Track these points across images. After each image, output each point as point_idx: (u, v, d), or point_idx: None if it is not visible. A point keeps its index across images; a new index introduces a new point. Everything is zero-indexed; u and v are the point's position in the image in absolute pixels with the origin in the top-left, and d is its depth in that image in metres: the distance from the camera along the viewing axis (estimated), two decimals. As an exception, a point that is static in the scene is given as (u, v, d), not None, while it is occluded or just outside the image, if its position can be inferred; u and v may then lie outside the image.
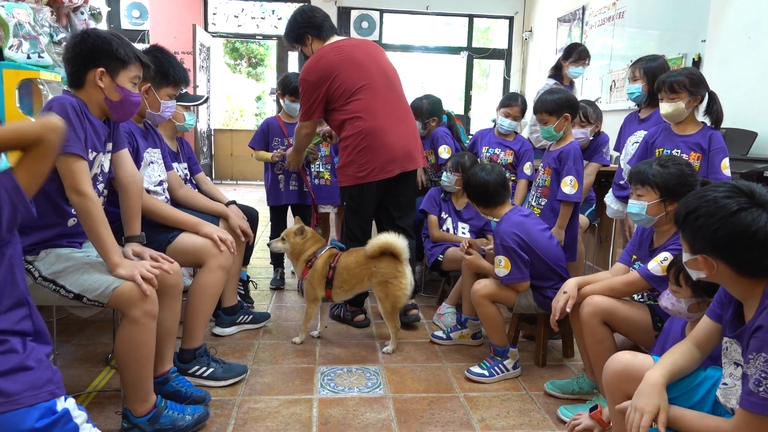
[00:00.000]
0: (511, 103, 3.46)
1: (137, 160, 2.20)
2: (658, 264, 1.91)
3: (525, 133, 4.08)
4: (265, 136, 3.61)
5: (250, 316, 2.92)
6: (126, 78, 1.83)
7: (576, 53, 4.10)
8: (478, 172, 2.50)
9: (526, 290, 2.46)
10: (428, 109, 3.59)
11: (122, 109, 1.85)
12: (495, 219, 2.51)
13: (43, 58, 2.79)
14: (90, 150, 1.78)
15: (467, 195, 2.62)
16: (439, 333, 2.85)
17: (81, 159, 1.71)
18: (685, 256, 1.33)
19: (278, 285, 3.67)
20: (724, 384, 1.33)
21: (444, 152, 3.54)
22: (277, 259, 3.74)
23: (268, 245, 2.75)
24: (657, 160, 2.00)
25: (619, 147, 3.22)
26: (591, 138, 3.27)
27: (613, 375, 1.47)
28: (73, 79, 1.81)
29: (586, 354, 2.17)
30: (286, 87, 3.54)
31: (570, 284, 2.09)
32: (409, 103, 3.59)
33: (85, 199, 1.71)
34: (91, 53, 1.77)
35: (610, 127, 5.34)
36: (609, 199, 3.15)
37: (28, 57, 2.75)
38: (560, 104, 2.70)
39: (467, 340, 2.80)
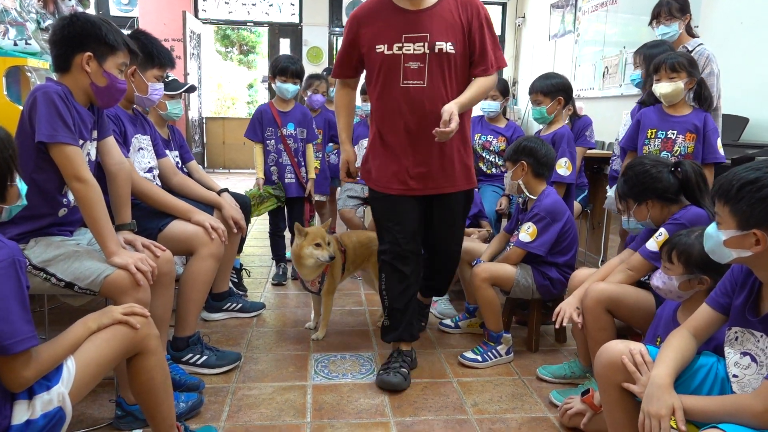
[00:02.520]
0: None
1: (125, 144, 2.18)
2: (654, 240, 1.93)
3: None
4: (260, 125, 3.44)
5: (240, 304, 2.91)
6: (113, 64, 1.80)
7: (654, 11, 3.07)
8: (541, 145, 2.49)
9: (520, 264, 2.48)
10: None
11: (108, 95, 1.82)
12: (532, 195, 2.49)
13: (30, 45, 2.76)
14: (77, 138, 1.76)
15: (512, 162, 2.50)
16: (448, 321, 2.84)
17: (75, 146, 1.70)
18: (727, 233, 1.25)
19: (280, 280, 3.52)
20: (735, 376, 1.33)
21: None
22: (278, 254, 3.63)
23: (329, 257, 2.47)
24: (622, 174, 2.09)
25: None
26: (566, 122, 3.27)
27: (606, 365, 1.46)
28: (58, 63, 1.78)
29: (580, 339, 2.19)
30: (275, 67, 3.37)
31: (572, 301, 2.07)
32: None
33: (87, 186, 1.70)
34: (79, 37, 1.74)
35: (603, 113, 5.34)
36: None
37: (15, 44, 2.71)
38: (557, 87, 2.84)
39: (475, 328, 2.79)
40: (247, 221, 2.81)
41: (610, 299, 1.97)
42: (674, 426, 1.26)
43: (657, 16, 2.97)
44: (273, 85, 3.44)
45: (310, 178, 3.54)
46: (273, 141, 3.43)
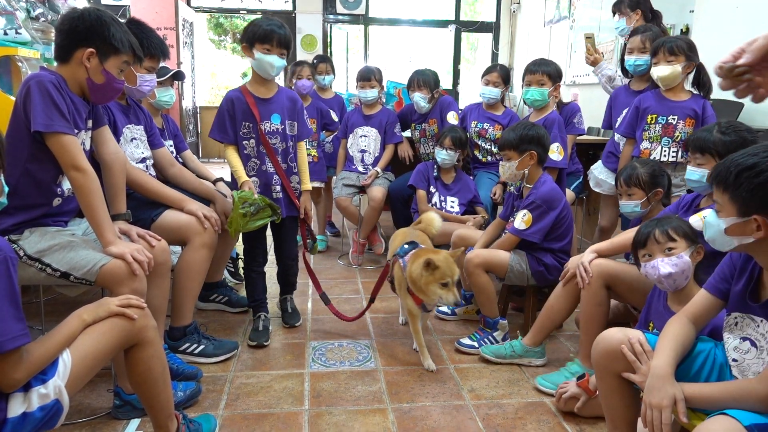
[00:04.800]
0: (490, 70, 3.54)
1: (115, 134, 2.16)
2: (699, 219, 1.80)
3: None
4: (231, 120, 2.44)
5: (227, 297, 2.87)
6: (114, 64, 1.79)
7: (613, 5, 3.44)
8: (544, 132, 2.45)
9: (514, 249, 2.48)
10: (435, 79, 3.60)
11: (102, 93, 1.81)
12: (528, 184, 2.46)
13: (20, 34, 2.73)
14: (73, 127, 1.74)
15: (519, 152, 2.42)
16: (444, 308, 2.85)
17: (71, 135, 1.69)
18: (728, 221, 1.23)
19: (260, 340, 2.47)
20: (735, 360, 1.34)
21: (452, 118, 3.57)
22: (256, 299, 2.64)
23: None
24: (717, 127, 1.95)
25: (610, 121, 3.21)
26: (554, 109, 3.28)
27: (604, 353, 1.48)
28: (59, 52, 1.76)
29: (585, 336, 2.08)
30: (254, 33, 2.37)
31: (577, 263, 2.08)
32: (411, 75, 3.57)
33: (85, 175, 1.70)
34: (86, 32, 1.73)
35: (599, 99, 5.32)
36: (597, 169, 3.15)
37: (5, 33, 2.68)
38: (558, 73, 2.96)
39: (472, 315, 2.81)
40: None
41: (610, 275, 1.99)
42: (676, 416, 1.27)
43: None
44: (249, 59, 2.42)
45: (304, 190, 2.59)
46: (252, 141, 2.46)
